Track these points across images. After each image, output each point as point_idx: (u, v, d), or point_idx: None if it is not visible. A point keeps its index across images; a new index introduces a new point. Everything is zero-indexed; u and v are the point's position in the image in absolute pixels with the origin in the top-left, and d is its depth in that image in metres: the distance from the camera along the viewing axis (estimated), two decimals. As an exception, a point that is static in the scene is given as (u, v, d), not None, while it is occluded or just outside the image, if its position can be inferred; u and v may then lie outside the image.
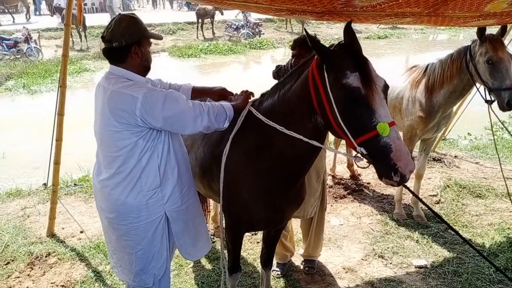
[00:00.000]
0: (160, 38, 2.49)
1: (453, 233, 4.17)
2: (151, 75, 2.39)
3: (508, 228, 4.18)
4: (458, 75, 3.69)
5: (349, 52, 1.87)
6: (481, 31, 3.46)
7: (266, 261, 3.00)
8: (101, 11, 24.22)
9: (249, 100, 2.44)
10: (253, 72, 14.97)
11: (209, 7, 19.81)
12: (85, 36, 18.12)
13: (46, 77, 12.91)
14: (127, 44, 2.18)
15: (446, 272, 3.58)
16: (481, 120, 6.71)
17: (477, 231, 4.22)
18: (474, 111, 6.01)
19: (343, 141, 5.44)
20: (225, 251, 2.83)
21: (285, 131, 2.10)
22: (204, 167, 2.68)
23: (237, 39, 19.88)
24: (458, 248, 3.93)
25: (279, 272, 3.58)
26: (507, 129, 5.55)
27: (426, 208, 4.59)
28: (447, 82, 3.77)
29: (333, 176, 5.58)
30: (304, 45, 3.04)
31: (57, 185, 4.27)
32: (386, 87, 1.89)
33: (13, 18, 22.21)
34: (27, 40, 15.33)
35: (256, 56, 17.76)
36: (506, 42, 4.93)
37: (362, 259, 3.82)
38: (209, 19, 21.04)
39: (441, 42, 21.72)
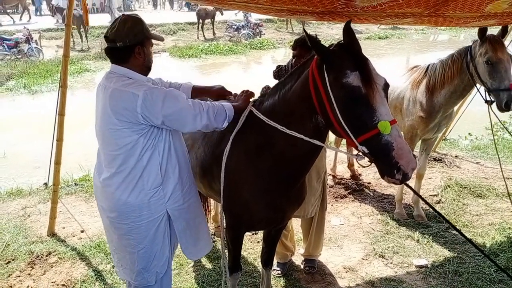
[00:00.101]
0: (161, 39, 2.53)
1: (453, 232, 4.18)
2: (151, 75, 2.40)
3: (509, 228, 4.18)
4: (458, 75, 3.69)
5: (349, 51, 1.88)
6: (482, 32, 3.47)
7: (267, 261, 3.00)
8: (101, 11, 24.24)
9: (250, 100, 2.45)
10: (253, 73, 14.97)
11: (210, 8, 19.82)
12: (86, 36, 18.14)
13: (47, 77, 12.94)
14: (131, 45, 2.20)
15: (447, 271, 3.58)
16: (482, 120, 6.70)
17: (477, 231, 4.22)
18: (474, 111, 6.02)
19: (344, 141, 5.48)
20: (226, 251, 2.83)
21: (286, 130, 2.11)
22: (205, 166, 2.69)
23: (238, 40, 19.90)
24: (459, 247, 3.94)
25: (279, 272, 3.58)
26: (507, 130, 5.54)
27: (427, 208, 4.63)
28: (448, 83, 3.77)
29: (334, 176, 5.58)
30: (305, 45, 3.04)
31: (57, 185, 4.27)
32: (386, 85, 1.89)
33: (12, 19, 22.16)
34: (28, 40, 15.37)
35: (257, 57, 17.77)
36: (506, 42, 4.94)
37: (363, 259, 3.82)
38: (209, 20, 21.05)
39: (441, 43, 21.73)
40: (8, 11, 24.18)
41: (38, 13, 25.69)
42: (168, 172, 2.33)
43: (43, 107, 9.95)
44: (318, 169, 3.26)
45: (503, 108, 3.41)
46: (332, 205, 4.82)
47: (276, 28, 23.03)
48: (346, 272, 3.65)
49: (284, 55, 17.78)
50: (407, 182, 1.87)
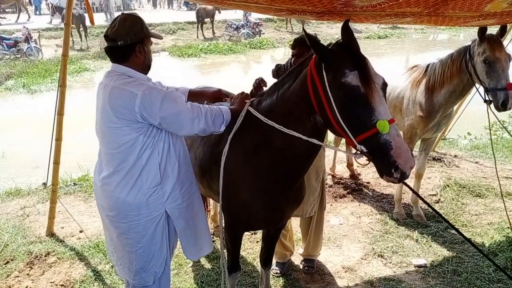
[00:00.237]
0: (160, 37, 2.53)
1: (452, 232, 4.18)
2: (151, 74, 2.39)
3: (508, 227, 4.18)
4: (458, 75, 3.69)
5: (348, 50, 1.88)
6: (482, 31, 3.46)
7: (266, 260, 3.00)
8: (101, 11, 24.20)
9: (246, 101, 2.44)
10: (253, 72, 14.96)
11: (209, 7, 19.82)
12: (85, 35, 18.13)
13: (46, 77, 12.93)
14: (132, 43, 2.21)
15: (446, 271, 3.58)
16: (481, 120, 6.71)
17: (476, 231, 4.22)
18: (474, 110, 6.01)
19: (343, 140, 5.48)
20: (225, 250, 2.83)
21: (284, 130, 2.10)
22: (204, 167, 2.69)
23: (237, 39, 19.90)
24: (458, 247, 3.94)
25: (278, 271, 3.58)
26: (506, 129, 5.54)
27: (426, 208, 4.63)
28: (448, 82, 3.77)
29: (333, 176, 5.58)
30: (305, 45, 3.04)
31: (56, 185, 4.27)
32: (384, 85, 1.89)
33: (4, 18, 21.99)
34: (27, 39, 15.36)
35: (256, 56, 17.77)
36: (506, 42, 4.94)
37: (362, 259, 3.82)
38: (209, 19, 21.05)
39: (441, 42, 21.73)
40: (7, 10, 24.16)
41: (38, 12, 25.66)
42: (167, 171, 2.33)
43: (42, 107, 9.95)
44: (317, 169, 3.26)
45: (500, 107, 3.41)
46: (331, 205, 4.82)
47: (275, 27, 23.03)
48: (345, 272, 3.64)
49: (283, 55, 17.78)
50: (406, 182, 1.87)
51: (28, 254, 3.89)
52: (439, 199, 4.90)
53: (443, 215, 4.46)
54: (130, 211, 2.29)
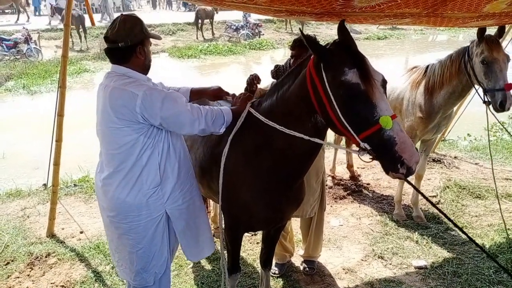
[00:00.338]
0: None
1: (452, 233, 4.18)
2: (150, 75, 2.40)
3: (508, 229, 4.18)
4: (457, 76, 3.69)
5: (346, 49, 1.88)
6: (481, 32, 3.47)
7: (266, 262, 3.00)
8: (101, 11, 24.21)
9: (248, 102, 2.45)
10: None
11: (209, 8, 19.83)
12: (85, 36, 18.13)
13: (46, 78, 12.93)
14: (133, 44, 2.21)
15: (446, 272, 3.58)
16: (481, 121, 6.70)
17: (476, 232, 4.22)
18: (473, 112, 6.01)
19: (343, 141, 5.48)
20: (225, 252, 2.83)
21: (285, 130, 2.10)
22: (204, 167, 2.69)
23: (237, 40, 19.91)
24: (458, 249, 3.94)
25: (276, 272, 3.58)
26: (506, 130, 5.54)
27: (426, 209, 4.63)
28: (447, 83, 3.77)
29: (333, 177, 5.58)
30: (304, 46, 3.03)
31: (57, 186, 4.27)
32: (384, 81, 1.90)
33: None
34: (27, 40, 15.36)
35: (256, 57, 17.78)
36: (505, 43, 4.94)
37: (362, 260, 3.82)
38: (208, 20, 21.05)
39: (440, 43, 21.76)
40: (6, 11, 24.16)
41: (37, 13, 25.66)
42: (167, 172, 2.33)
43: (42, 108, 9.95)
44: (317, 170, 3.26)
45: (498, 108, 3.41)
46: (331, 206, 4.82)
47: (275, 28, 23.03)
48: (345, 273, 3.64)
49: (283, 56, 17.79)
50: (408, 179, 1.86)
51: (29, 255, 3.89)
52: (439, 201, 4.90)
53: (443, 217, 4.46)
54: (131, 212, 2.30)
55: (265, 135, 2.24)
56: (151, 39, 2.34)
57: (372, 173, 5.72)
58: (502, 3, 2.39)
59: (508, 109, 3.40)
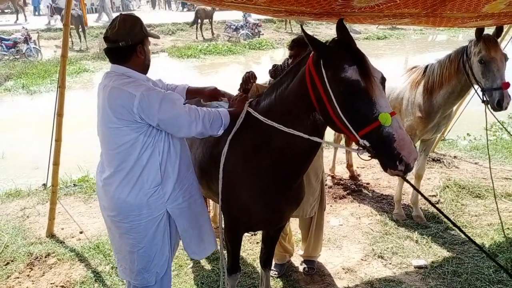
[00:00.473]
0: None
1: (452, 233, 4.18)
2: (150, 75, 2.40)
3: (508, 228, 4.19)
4: (456, 75, 3.69)
5: (345, 47, 1.89)
6: (479, 31, 3.47)
7: (266, 262, 3.00)
8: (98, 11, 24.23)
9: (246, 102, 2.44)
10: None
11: (208, 8, 19.81)
12: (85, 36, 18.12)
13: (45, 78, 12.93)
14: (133, 44, 2.21)
15: (446, 272, 3.58)
16: (480, 121, 6.70)
17: (476, 231, 4.22)
18: (473, 111, 6.00)
19: (342, 141, 5.48)
20: (225, 252, 2.83)
21: (284, 129, 2.10)
22: (203, 167, 2.69)
23: (237, 40, 19.90)
24: (458, 248, 3.94)
25: (276, 273, 3.58)
26: (506, 129, 5.54)
27: (426, 209, 4.63)
28: (446, 83, 3.77)
29: (333, 177, 5.58)
30: (302, 45, 3.02)
31: (56, 186, 4.27)
32: (383, 79, 1.90)
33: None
34: (27, 40, 15.36)
35: (256, 57, 17.77)
36: (504, 43, 4.95)
37: (362, 259, 3.82)
38: (208, 20, 21.04)
39: (440, 43, 21.75)
40: (6, 11, 24.15)
41: (37, 13, 25.65)
42: (168, 171, 2.33)
43: (41, 108, 9.95)
44: (316, 169, 3.25)
45: (496, 107, 3.41)
46: (331, 206, 4.82)
47: (275, 28, 23.03)
48: (345, 272, 3.65)
49: (283, 55, 17.78)
50: (407, 178, 1.87)
51: (28, 255, 3.89)
52: (438, 200, 4.90)
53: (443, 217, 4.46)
54: (131, 211, 2.30)
55: (263, 134, 2.24)
56: (150, 39, 2.35)
57: (371, 172, 5.73)
58: (501, 4, 2.40)
59: (506, 108, 3.41)
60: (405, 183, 4.42)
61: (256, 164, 2.32)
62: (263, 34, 20.91)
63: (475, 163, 6.00)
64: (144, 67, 2.32)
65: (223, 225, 2.66)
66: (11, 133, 8.36)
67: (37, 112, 9.83)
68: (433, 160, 6.05)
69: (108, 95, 2.16)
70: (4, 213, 4.74)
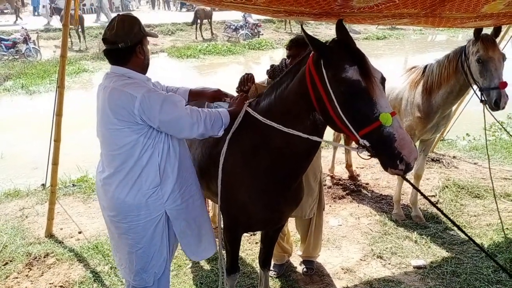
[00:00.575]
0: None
1: (451, 233, 4.18)
2: (150, 76, 2.39)
3: (507, 228, 4.19)
4: (454, 75, 3.70)
5: (345, 47, 1.89)
6: (478, 31, 3.48)
7: (265, 262, 3.00)
8: (96, 12, 24.22)
9: (245, 103, 2.44)
10: (252, 73, 14.95)
11: (208, 8, 19.82)
12: (84, 36, 18.11)
13: (44, 78, 12.92)
14: (132, 44, 2.21)
15: (445, 272, 3.58)
16: (480, 121, 6.68)
17: (475, 232, 4.22)
18: (472, 111, 6.01)
19: (342, 141, 5.48)
20: (224, 252, 2.82)
21: (284, 129, 2.10)
22: (202, 168, 2.69)
23: (236, 40, 19.90)
24: (457, 248, 3.94)
25: (275, 273, 3.57)
26: (505, 129, 5.54)
27: (425, 209, 4.63)
28: (445, 83, 3.77)
29: (332, 177, 5.58)
30: (300, 45, 3.02)
31: (55, 186, 4.26)
32: (383, 79, 1.91)
33: None
34: (26, 40, 15.35)
35: (255, 57, 17.77)
36: (504, 43, 4.95)
37: (361, 260, 3.82)
38: (207, 20, 21.04)
39: (439, 43, 21.77)
40: (5, 11, 24.14)
41: (36, 13, 25.63)
42: (167, 172, 2.33)
43: (40, 108, 9.93)
44: (314, 169, 3.25)
45: (493, 106, 3.41)
46: (330, 206, 4.82)
47: (274, 28, 23.03)
48: (344, 273, 3.65)
49: (282, 55, 17.69)
50: (407, 178, 1.87)
51: (27, 255, 3.88)
52: (438, 200, 4.90)
53: (442, 217, 4.46)
54: (130, 212, 2.30)
55: (263, 134, 2.24)
56: (149, 38, 2.34)
57: (371, 172, 5.73)
58: (500, 4, 2.40)
59: (503, 107, 3.41)
60: (404, 183, 4.45)
61: (255, 164, 2.32)
62: (262, 34, 20.91)
63: (474, 163, 6.00)
64: (143, 67, 2.31)
65: (222, 225, 2.66)
66: (10, 133, 8.36)
67: (36, 112, 9.82)
68: (432, 160, 6.05)
69: (108, 96, 2.15)
70: (3, 213, 4.73)
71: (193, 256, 2.67)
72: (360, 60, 1.84)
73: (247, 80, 2.95)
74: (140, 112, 2.11)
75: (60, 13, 17.76)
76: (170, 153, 2.33)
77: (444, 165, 5.92)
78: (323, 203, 3.53)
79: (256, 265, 3.57)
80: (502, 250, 3.83)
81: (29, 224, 4.48)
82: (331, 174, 5.62)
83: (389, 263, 3.75)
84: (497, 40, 3.54)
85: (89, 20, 21.08)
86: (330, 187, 5.30)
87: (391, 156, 1.78)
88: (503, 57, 3.44)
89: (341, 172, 5.74)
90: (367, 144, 1.82)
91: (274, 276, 3.56)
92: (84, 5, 26.39)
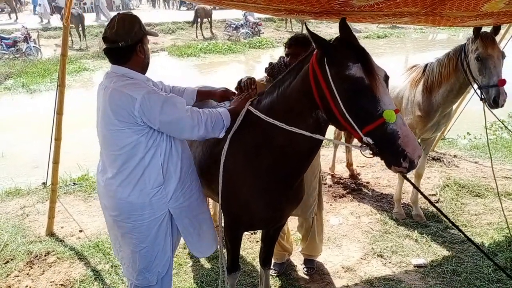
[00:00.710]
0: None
1: (452, 232, 4.18)
2: (150, 74, 2.39)
3: (507, 227, 4.18)
4: (454, 73, 3.69)
5: (348, 44, 1.89)
6: (477, 29, 3.47)
7: (265, 260, 3.00)
8: (95, 11, 24.20)
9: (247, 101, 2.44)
10: (252, 72, 14.96)
11: (208, 7, 19.80)
12: (84, 35, 18.11)
13: (45, 76, 12.93)
14: (133, 43, 2.19)
15: (445, 271, 3.59)
16: (481, 120, 6.67)
17: (476, 231, 4.22)
18: (473, 110, 5.99)
19: (343, 139, 5.47)
20: (224, 250, 2.83)
21: (286, 127, 2.10)
22: (203, 166, 2.68)
23: (237, 39, 19.88)
24: (457, 247, 3.94)
25: (276, 271, 3.57)
26: (506, 127, 5.54)
27: (426, 208, 4.63)
28: (445, 81, 3.77)
29: (333, 176, 5.58)
30: (300, 44, 3.01)
31: (56, 184, 4.27)
32: (386, 77, 1.90)
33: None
34: (26, 39, 15.36)
35: (256, 56, 17.76)
36: (504, 41, 4.94)
37: (361, 258, 3.83)
38: (207, 19, 21.02)
39: (440, 42, 21.72)
40: (5, 10, 24.14)
41: (36, 12, 25.61)
42: (170, 171, 2.33)
43: (41, 106, 9.95)
44: (313, 168, 3.24)
45: (492, 104, 3.40)
46: (330, 205, 4.82)
47: (275, 27, 23.03)
48: (345, 271, 3.65)
49: (282, 54, 17.75)
50: (407, 177, 1.86)
51: (28, 254, 3.89)
52: (438, 199, 4.90)
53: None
54: (134, 211, 2.30)
55: (265, 133, 2.24)
56: (149, 37, 2.33)
57: (371, 171, 5.73)
58: (500, 2, 2.39)
59: (502, 105, 3.40)
60: (404, 182, 4.44)
61: (257, 162, 2.31)
62: (263, 33, 20.89)
63: (475, 162, 6.00)
64: (143, 67, 2.30)
65: (223, 224, 2.66)
66: (11, 132, 8.36)
67: (37, 111, 9.84)
68: (433, 159, 6.05)
69: (109, 97, 2.15)
70: (4, 211, 4.74)
71: (197, 252, 2.69)
72: (363, 58, 1.84)
73: (250, 85, 2.92)
74: (141, 113, 2.10)
75: (60, 12, 17.77)
76: (173, 153, 2.33)
77: (444, 164, 5.92)
78: (322, 202, 3.53)
79: (257, 263, 3.57)
80: (503, 249, 3.83)
81: (30, 223, 4.49)
82: (332, 173, 5.62)
83: (390, 262, 3.76)
84: (497, 38, 3.54)
85: (90, 19, 21.09)
86: (330, 186, 5.30)
87: (394, 154, 1.77)
88: (502, 55, 3.43)
89: (341, 171, 5.74)
90: (371, 141, 1.81)
91: (275, 274, 3.56)
92: (85, 4, 26.39)
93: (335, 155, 5.70)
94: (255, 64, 16.45)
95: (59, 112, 3.98)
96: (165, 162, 2.30)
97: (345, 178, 5.55)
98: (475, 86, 3.57)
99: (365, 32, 22.45)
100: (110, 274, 3.58)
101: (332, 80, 1.86)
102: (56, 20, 19.86)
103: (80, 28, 17.84)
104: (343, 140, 5.52)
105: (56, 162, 4.15)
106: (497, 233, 4.13)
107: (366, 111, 1.80)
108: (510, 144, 6.65)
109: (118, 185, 2.27)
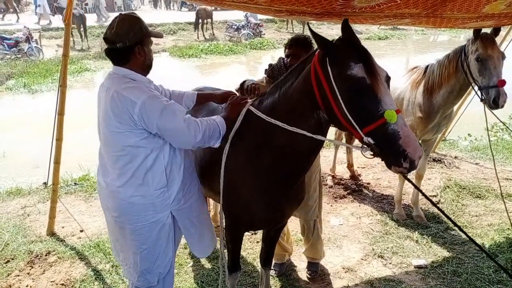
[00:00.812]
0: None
1: (452, 233, 4.18)
2: (152, 75, 2.39)
3: (508, 228, 4.18)
4: (454, 74, 3.69)
5: (351, 45, 1.89)
6: (477, 30, 3.48)
7: (266, 261, 3.00)
8: (95, 12, 24.24)
9: (247, 101, 2.44)
10: (253, 73, 14.97)
11: (209, 8, 19.82)
12: (86, 35, 18.13)
13: (47, 77, 12.94)
14: (131, 45, 2.18)
15: (446, 272, 3.59)
16: (481, 121, 6.68)
17: (476, 232, 4.22)
18: (474, 112, 5.99)
19: (343, 140, 5.48)
20: (225, 250, 2.83)
21: (289, 128, 2.10)
22: (204, 167, 2.69)
23: (238, 40, 19.90)
24: (458, 248, 3.94)
25: (276, 272, 3.57)
26: (508, 128, 5.53)
27: (426, 209, 4.63)
28: (445, 83, 3.77)
29: (333, 176, 5.58)
30: (300, 44, 3.01)
31: (57, 184, 4.27)
32: (388, 77, 1.91)
33: None
34: (28, 39, 15.39)
35: (257, 57, 17.76)
36: (505, 43, 4.94)
37: (362, 259, 3.83)
38: (209, 20, 21.04)
39: (441, 43, 21.73)
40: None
41: (36, 13, 25.63)
42: (173, 174, 2.33)
43: (43, 107, 9.96)
44: (313, 169, 3.24)
45: (492, 105, 3.40)
46: (331, 206, 4.82)
47: (276, 28, 23.03)
48: (345, 272, 3.65)
49: (283, 55, 17.75)
50: (408, 177, 1.87)
51: (29, 253, 3.90)
52: (439, 200, 4.90)
53: (443, 217, 4.46)
54: (136, 213, 2.29)
55: (266, 133, 2.24)
56: (152, 38, 2.31)
57: (372, 172, 5.73)
58: (501, 4, 2.40)
59: (502, 106, 3.40)
60: (405, 183, 4.44)
61: (258, 163, 2.32)
62: (264, 34, 20.90)
63: (476, 164, 6.00)
64: (144, 68, 2.28)
65: (223, 224, 2.67)
66: (12, 132, 8.38)
67: (38, 111, 9.85)
68: (434, 160, 6.05)
69: (110, 99, 2.14)
70: (5, 211, 4.75)
71: (197, 252, 2.70)
72: (365, 58, 1.85)
73: (254, 90, 2.91)
74: (139, 118, 2.10)
75: (62, 12, 17.79)
76: (176, 155, 2.33)
77: (445, 165, 5.92)
78: (321, 203, 3.52)
79: (257, 264, 3.57)
80: (504, 250, 3.83)
81: (31, 223, 4.50)
82: (333, 174, 5.62)
83: (390, 263, 3.76)
84: (498, 40, 3.54)
85: (91, 19, 21.11)
86: (331, 187, 5.30)
87: (395, 154, 1.77)
88: (502, 56, 3.43)
89: (342, 171, 5.74)
90: (371, 141, 1.82)
91: (275, 275, 3.56)
92: (87, 4, 26.42)
93: (335, 156, 5.70)
94: (256, 65, 16.45)
95: (60, 112, 3.99)
96: (169, 165, 2.30)
97: (346, 179, 5.55)
98: (475, 87, 3.57)
99: (366, 34, 22.45)
100: (111, 274, 3.59)
101: (334, 80, 1.86)
102: (57, 21, 19.89)
103: (82, 29, 17.85)
104: (344, 141, 5.52)
105: (57, 162, 4.16)
106: (498, 234, 4.13)
107: (367, 111, 1.81)
108: (511, 146, 6.64)
109: (120, 185, 2.26)
